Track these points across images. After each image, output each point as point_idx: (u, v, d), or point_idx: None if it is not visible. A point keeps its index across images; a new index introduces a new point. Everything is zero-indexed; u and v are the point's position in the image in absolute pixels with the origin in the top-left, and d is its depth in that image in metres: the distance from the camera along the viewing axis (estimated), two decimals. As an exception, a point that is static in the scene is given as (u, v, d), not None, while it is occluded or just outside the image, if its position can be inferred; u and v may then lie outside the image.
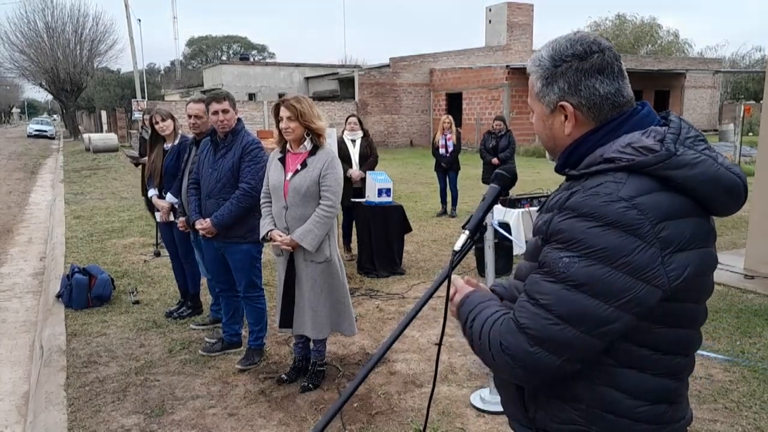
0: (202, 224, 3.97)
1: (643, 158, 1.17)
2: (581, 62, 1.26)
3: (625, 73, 1.29)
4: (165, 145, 4.98)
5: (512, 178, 1.52)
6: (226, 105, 3.93)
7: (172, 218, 4.80)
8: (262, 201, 3.74)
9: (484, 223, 1.44)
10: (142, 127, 7.56)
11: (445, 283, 1.41)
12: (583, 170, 1.26)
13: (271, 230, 3.58)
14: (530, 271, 1.29)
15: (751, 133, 22.05)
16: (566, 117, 1.29)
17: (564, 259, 1.16)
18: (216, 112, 3.91)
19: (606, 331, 1.15)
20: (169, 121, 4.93)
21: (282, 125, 3.48)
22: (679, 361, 1.26)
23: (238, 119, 4.04)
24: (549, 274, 1.19)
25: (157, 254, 7.26)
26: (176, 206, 4.71)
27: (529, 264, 1.32)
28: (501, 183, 1.50)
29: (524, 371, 1.20)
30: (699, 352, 2.79)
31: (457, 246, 1.40)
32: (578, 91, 1.27)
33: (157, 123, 4.94)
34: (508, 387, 1.40)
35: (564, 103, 1.28)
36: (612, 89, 1.26)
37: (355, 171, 6.82)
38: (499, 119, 9.53)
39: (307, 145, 3.54)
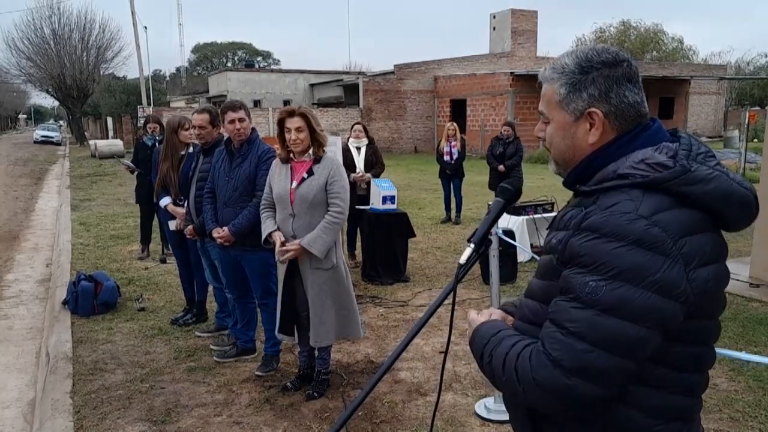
0: (220, 233, 3.97)
1: (658, 175, 1.16)
2: (611, 69, 1.26)
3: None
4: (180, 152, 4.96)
5: (516, 192, 1.53)
6: (242, 114, 3.93)
7: None
8: (261, 207, 3.75)
9: (489, 236, 1.46)
10: (144, 134, 7.55)
11: (451, 295, 1.42)
12: (594, 186, 1.24)
13: (274, 231, 3.59)
14: (542, 289, 1.28)
15: (756, 140, 21.94)
16: (592, 125, 1.27)
17: (590, 284, 1.13)
18: (232, 121, 3.90)
19: (640, 353, 1.14)
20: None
21: (291, 136, 3.48)
22: (695, 378, 1.26)
23: (252, 128, 4.04)
24: (576, 300, 1.15)
25: (163, 261, 7.30)
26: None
27: (541, 282, 1.30)
28: (505, 196, 1.51)
29: (563, 403, 1.17)
30: (730, 353, 2.75)
31: (462, 259, 1.42)
32: (609, 98, 1.25)
33: (188, 129, 4.93)
34: (517, 407, 1.37)
35: (593, 110, 1.26)
36: (639, 98, 1.27)
37: (359, 173, 6.71)
38: (507, 125, 9.36)
39: (311, 153, 3.57)
